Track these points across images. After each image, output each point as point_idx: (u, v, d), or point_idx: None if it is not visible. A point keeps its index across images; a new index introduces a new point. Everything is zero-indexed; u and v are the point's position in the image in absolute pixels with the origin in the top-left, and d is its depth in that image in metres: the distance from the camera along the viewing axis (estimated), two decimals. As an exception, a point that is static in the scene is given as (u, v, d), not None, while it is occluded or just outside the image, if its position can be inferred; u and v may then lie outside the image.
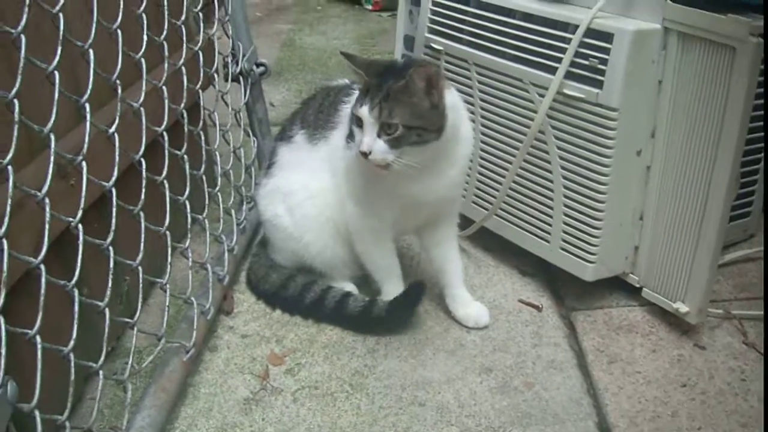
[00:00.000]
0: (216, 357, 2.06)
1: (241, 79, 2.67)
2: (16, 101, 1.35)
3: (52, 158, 1.47)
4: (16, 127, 1.35)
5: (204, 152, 2.31)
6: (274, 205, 2.23)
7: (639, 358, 2.02)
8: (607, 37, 1.93)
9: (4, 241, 1.30)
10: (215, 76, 2.48)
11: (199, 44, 2.35)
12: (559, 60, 2.03)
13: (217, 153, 2.43)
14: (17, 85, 1.35)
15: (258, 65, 2.74)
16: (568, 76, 2.02)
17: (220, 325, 2.19)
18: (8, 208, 1.33)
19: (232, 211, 2.45)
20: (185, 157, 2.11)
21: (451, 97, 1.89)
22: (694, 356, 2.02)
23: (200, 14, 2.39)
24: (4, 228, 1.30)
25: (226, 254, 2.31)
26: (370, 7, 5.46)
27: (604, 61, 1.94)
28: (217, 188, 2.36)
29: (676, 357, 2.02)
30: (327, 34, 4.99)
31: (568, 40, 2.01)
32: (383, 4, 5.41)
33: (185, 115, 2.18)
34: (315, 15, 5.42)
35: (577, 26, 1.98)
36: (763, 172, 2.35)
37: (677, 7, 1.88)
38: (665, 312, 2.12)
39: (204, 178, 2.24)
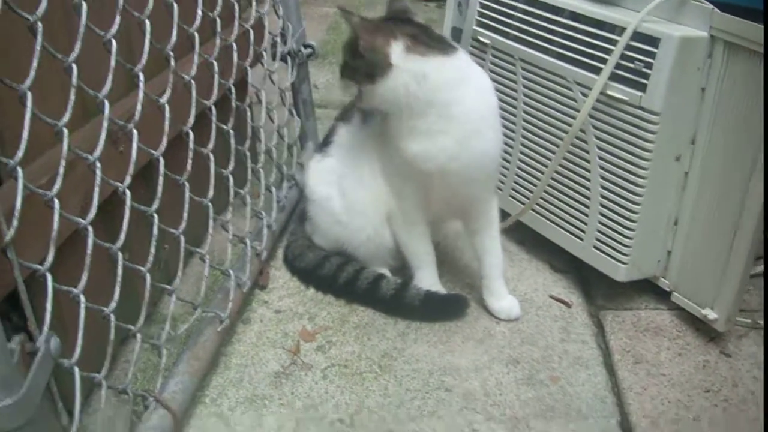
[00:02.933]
0: (249, 330, 2.12)
1: (288, 59, 2.69)
2: (74, 66, 1.39)
3: (105, 124, 1.52)
4: (72, 91, 1.40)
5: (250, 128, 2.36)
6: (326, 186, 2.26)
7: (665, 361, 2.04)
8: (654, 41, 1.94)
9: (56, 201, 1.35)
10: (264, 54, 2.51)
11: (250, 22, 2.39)
12: (604, 61, 2.04)
13: (261, 130, 2.47)
14: (76, 50, 1.40)
15: (306, 46, 2.77)
16: (612, 77, 2.03)
17: (254, 299, 2.24)
18: (61, 170, 1.37)
19: (273, 189, 2.49)
20: (231, 131, 2.16)
21: (414, 63, 1.91)
22: (720, 363, 2.04)
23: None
24: (56, 187, 1.35)
25: (265, 230, 2.35)
26: (417, -5, 5.45)
27: (649, 65, 1.95)
28: (260, 165, 2.41)
29: (701, 362, 2.04)
30: (373, 20, 4.95)
31: (614, 42, 2.02)
32: (430, -7, 5.41)
33: (233, 90, 2.22)
34: (362, 0, 5.42)
35: (624, 29, 1.99)
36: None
37: (725, 16, 1.89)
38: (693, 318, 2.14)
39: (248, 153, 2.28)
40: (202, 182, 1.97)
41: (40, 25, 1.28)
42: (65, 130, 1.37)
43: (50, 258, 1.32)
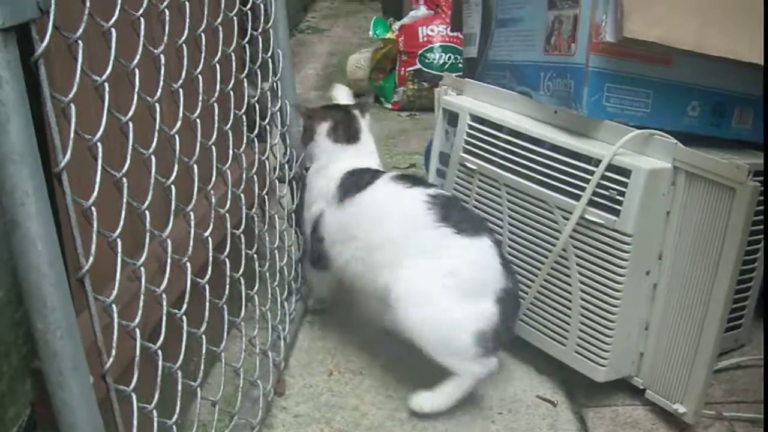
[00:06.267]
0: (273, 434, 2.31)
1: (293, 182, 2.91)
2: (147, 212, 1.64)
3: (169, 261, 1.76)
4: (147, 235, 1.65)
5: (268, 251, 2.59)
6: None
7: (642, 452, 2.26)
8: (626, 172, 2.17)
9: (137, 331, 1.58)
10: (276, 181, 2.76)
11: (266, 153, 2.64)
12: (582, 188, 2.27)
13: (276, 250, 2.67)
14: (149, 198, 1.64)
15: (306, 170, 2.98)
16: (590, 203, 2.26)
17: (273, 405, 2.41)
18: (141, 303, 1.61)
19: (285, 303, 2.69)
20: (255, 256, 2.39)
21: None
22: (691, 452, 2.25)
23: (267, 126, 2.67)
24: (138, 319, 1.58)
25: (282, 342, 2.56)
26: (389, 106, 5.63)
27: (621, 193, 2.18)
28: (276, 283, 2.61)
29: (674, 452, 2.26)
30: (351, 131, 5.12)
31: (591, 172, 2.25)
32: (402, 103, 5.59)
33: (256, 219, 2.45)
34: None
35: (599, 160, 2.23)
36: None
37: (686, 150, 2.14)
38: (665, 411, 2.33)
39: (267, 274, 2.52)
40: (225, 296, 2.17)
41: (125, 180, 1.53)
42: (143, 269, 1.61)
43: (135, 380, 1.54)
